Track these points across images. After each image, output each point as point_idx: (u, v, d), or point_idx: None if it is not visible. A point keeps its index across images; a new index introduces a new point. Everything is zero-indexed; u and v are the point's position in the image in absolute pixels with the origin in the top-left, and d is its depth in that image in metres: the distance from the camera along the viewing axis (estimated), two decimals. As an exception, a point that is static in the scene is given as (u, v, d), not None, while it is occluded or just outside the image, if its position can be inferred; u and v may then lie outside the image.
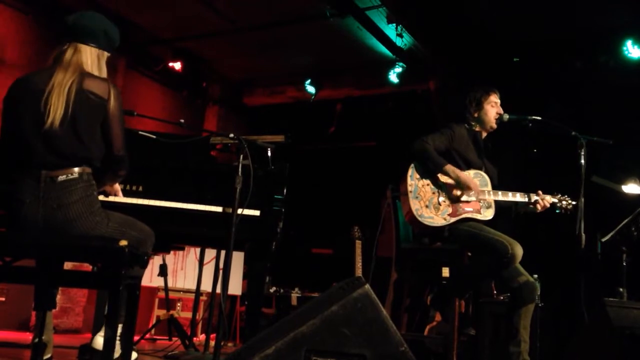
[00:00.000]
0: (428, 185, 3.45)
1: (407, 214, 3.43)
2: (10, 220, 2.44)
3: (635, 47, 5.68)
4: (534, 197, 3.49)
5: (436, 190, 3.45)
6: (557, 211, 3.54)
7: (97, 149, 2.50)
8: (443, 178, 3.46)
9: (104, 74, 2.58)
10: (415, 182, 3.44)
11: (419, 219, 3.37)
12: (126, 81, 6.58)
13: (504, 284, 3.42)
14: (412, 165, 3.47)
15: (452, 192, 3.44)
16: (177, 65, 7.13)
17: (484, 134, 3.67)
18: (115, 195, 2.94)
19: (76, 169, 2.44)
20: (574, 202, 3.51)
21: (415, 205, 3.38)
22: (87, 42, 2.54)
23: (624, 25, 5.62)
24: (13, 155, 2.48)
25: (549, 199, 3.51)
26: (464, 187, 3.40)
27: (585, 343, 2.50)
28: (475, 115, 3.63)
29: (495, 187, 3.56)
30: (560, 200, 3.54)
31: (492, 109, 3.60)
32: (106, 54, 2.62)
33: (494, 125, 3.61)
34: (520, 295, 3.28)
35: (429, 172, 3.46)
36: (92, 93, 2.46)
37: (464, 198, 3.43)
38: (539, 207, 3.48)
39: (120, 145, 2.56)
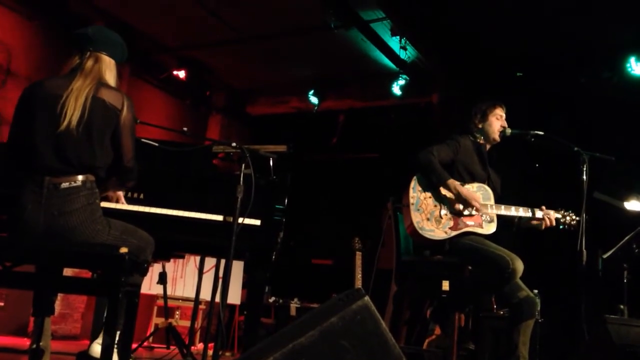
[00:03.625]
0: (430, 198, 3.44)
1: (409, 227, 3.43)
2: (11, 225, 2.44)
3: (639, 64, 5.69)
4: (537, 213, 3.48)
5: (438, 203, 3.44)
6: (561, 227, 3.53)
7: (103, 159, 2.51)
8: (445, 191, 3.45)
9: (116, 84, 2.63)
10: (417, 194, 3.43)
11: (420, 231, 3.36)
12: (130, 88, 6.60)
13: (504, 299, 3.41)
14: (415, 177, 3.46)
15: (454, 206, 3.43)
16: (182, 74, 7.16)
17: (488, 147, 3.67)
18: (118, 201, 2.94)
19: (80, 177, 2.45)
20: (577, 218, 3.50)
21: (416, 218, 3.38)
22: (107, 52, 2.63)
23: (627, 42, 5.64)
24: (19, 159, 2.49)
25: (552, 215, 3.49)
26: (466, 202, 3.39)
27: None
28: (480, 126, 3.64)
29: (500, 197, 3.54)
30: (564, 216, 3.52)
31: (497, 121, 3.61)
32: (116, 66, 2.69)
33: (497, 138, 3.62)
34: (520, 310, 3.26)
35: (431, 184, 3.45)
36: (107, 102, 2.51)
37: (465, 212, 3.42)
38: (543, 224, 3.46)
39: (130, 156, 2.59)
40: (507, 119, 3.66)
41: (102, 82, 2.55)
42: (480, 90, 5.87)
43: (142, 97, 6.99)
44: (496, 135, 3.61)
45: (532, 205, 3.52)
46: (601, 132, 5.35)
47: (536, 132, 3.52)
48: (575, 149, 3.39)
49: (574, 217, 3.52)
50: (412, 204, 3.40)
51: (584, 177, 3.32)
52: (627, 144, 5.10)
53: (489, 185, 3.57)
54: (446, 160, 3.49)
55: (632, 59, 5.70)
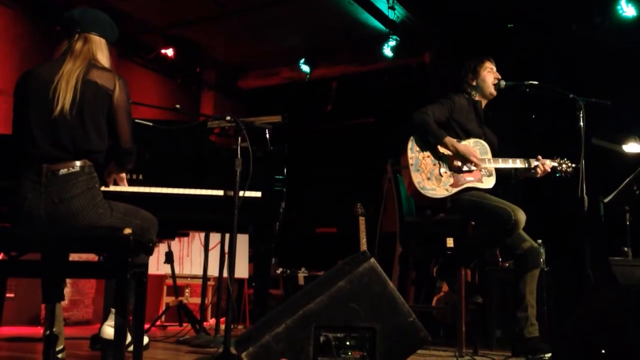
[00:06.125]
0: (429, 157, 3.45)
1: (409, 187, 3.43)
2: (14, 215, 2.45)
3: (630, 5, 5.62)
4: (534, 163, 3.49)
5: (437, 161, 3.44)
6: (558, 175, 3.54)
7: (99, 142, 2.49)
8: (443, 150, 3.45)
9: (109, 64, 2.59)
10: (415, 154, 3.43)
11: (421, 191, 3.37)
12: (119, 71, 6.44)
13: (509, 251, 3.44)
14: (412, 138, 3.46)
15: (453, 163, 3.44)
16: (170, 52, 7.08)
17: (484, 103, 3.66)
18: (118, 184, 2.93)
19: (77, 162, 2.44)
20: (574, 165, 3.51)
21: (416, 178, 3.39)
22: (96, 32, 2.58)
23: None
24: (18, 150, 2.49)
25: (548, 164, 3.51)
26: (464, 158, 3.39)
27: (592, 303, 2.51)
28: (473, 83, 3.62)
29: (496, 154, 3.55)
30: (560, 164, 3.54)
31: (489, 74, 3.60)
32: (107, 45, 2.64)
33: (494, 92, 3.60)
34: (525, 261, 3.29)
35: (428, 144, 3.45)
36: (98, 83, 2.47)
37: (464, 168, 3.43)
38: (539, 171, 3.48)
39: (128, 137, 2.57)
40: (500, 72, 3.63)
41: (93, 63, 2.51)
42: (472, 46, 5.80)
43: (131, 78, 6.91)
44: (492, 89, 3.60)
45: (531, 155, 3.53)
46: (596, 78, 5.31)
47: (530, 82, 3.50)
48: (571, 95, 3.38)
49: (570, 164, 3.54)
50: (411, 164, 3.41)
51: (581, 123, 3.31)
52: (622, 87, 5.07)
53: (485, 141, 3.57)
54: (441, 119, 3.48)
55: (623, 1, 5.63)
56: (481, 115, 3.63)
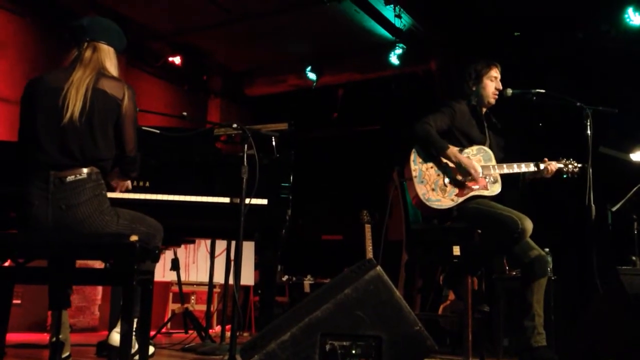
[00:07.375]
0: (432, 168, 3.41)
1: (414, 199, 3.41)
2: (21, 221, 2.46)
3: (637, 14, 5.61)
4: (540, 166, 3.47)
5: (440, 172, 3.41)
6: (565, 176, 3.52)
7: (107, 150, 2.50)
8: (446, 160, 3.42)
9: (117, 73, 2.61)
10: (419, 166, 3.40)
11: (427, 203, 3.34)
12: (127, 78, 6.54)
13: (516, 259, 3.41)
14: (414, 149, 3.42)
15: (456, 175, 3.41)
16: (177, 60, 7.14)
17: (484, 110, 3.63)
18: (119, 190, 2.94)
19: (85, 170, 2.45)
20: (579, 165, 3.49)
21: (421, 190, 3.35)
22: (105, 41, 2.60)
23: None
24: (24, 156, 2.50)
25: (554, 165, 3.48)
26: (465, 172, 3.36)
27: (599, 312, 2.50)
28: (473, 88, 3.57)
29: (502, 159, 3.53)
30: (566, 165, 3.51)
31: (491, 83, 3.54)
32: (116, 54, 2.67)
33: (492, 101, 3.56)
34: (532, 269, 3.27)
35: (431, 155, 3.42)
36: (107, 92, 2.49)
37: (466, 181, 3.39)
38: (546, 171, 3.46)
39: (133, 146, 2.59)
40: (506, 80, 3.60)
41: (102, 72, 2.54)
42: (478, 53, 5.81)
43: (139, 86, 6.95)
44: (490, 98, 3.54)
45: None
46: (602, 86, 5.29)
47: (537, 90, 3.48)
48: (578, 104, 3.36)
49: (575, 164, 3.51)
50: (415, 176, 3.38)
51: (588, 131, 3.29)
52: (630, 96, 5.06)
53: (489, 148, 3.54)
54: (443, 128, 3.44)
55: (630, 10, 5.62)
56: (483, 120, 3.60)
